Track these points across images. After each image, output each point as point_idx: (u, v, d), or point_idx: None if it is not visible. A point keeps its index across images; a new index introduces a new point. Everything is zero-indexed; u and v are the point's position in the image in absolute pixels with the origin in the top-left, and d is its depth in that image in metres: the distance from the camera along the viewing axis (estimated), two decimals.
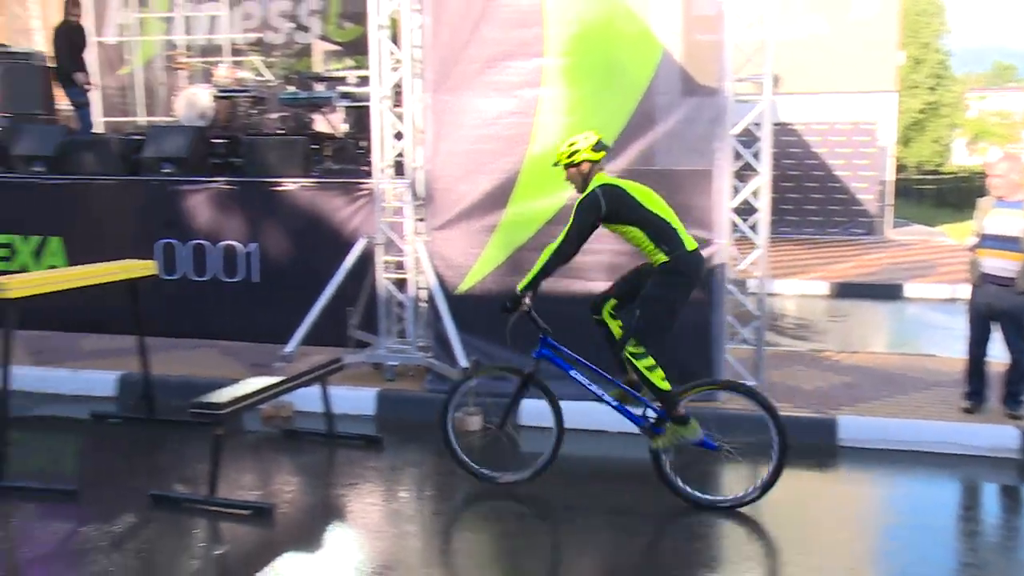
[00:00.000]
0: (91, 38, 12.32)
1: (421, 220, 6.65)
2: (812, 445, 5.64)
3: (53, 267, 7.95)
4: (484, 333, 6.32)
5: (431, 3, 6.36)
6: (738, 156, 6.11)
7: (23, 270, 7.95)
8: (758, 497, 4.59)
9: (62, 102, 10.47)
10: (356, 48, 11.57)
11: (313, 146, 8.46)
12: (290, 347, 6.69)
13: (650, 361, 4.55)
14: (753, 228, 6.17)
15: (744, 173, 6.21)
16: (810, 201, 19.67)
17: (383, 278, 6.78)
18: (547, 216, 6.18)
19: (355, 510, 4.65)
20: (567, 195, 6.16)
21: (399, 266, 6.81)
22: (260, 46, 11.55)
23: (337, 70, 11.05)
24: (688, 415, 4.63)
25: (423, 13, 6.41)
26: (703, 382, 4.86)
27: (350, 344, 6.91)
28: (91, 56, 12.07)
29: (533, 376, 4.84)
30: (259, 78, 10.11)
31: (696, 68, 6.00)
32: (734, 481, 4.85)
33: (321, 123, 9.40)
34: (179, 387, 6.36)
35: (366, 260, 6.85)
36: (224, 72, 9.86)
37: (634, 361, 4.56)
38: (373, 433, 5.82)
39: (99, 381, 6.71)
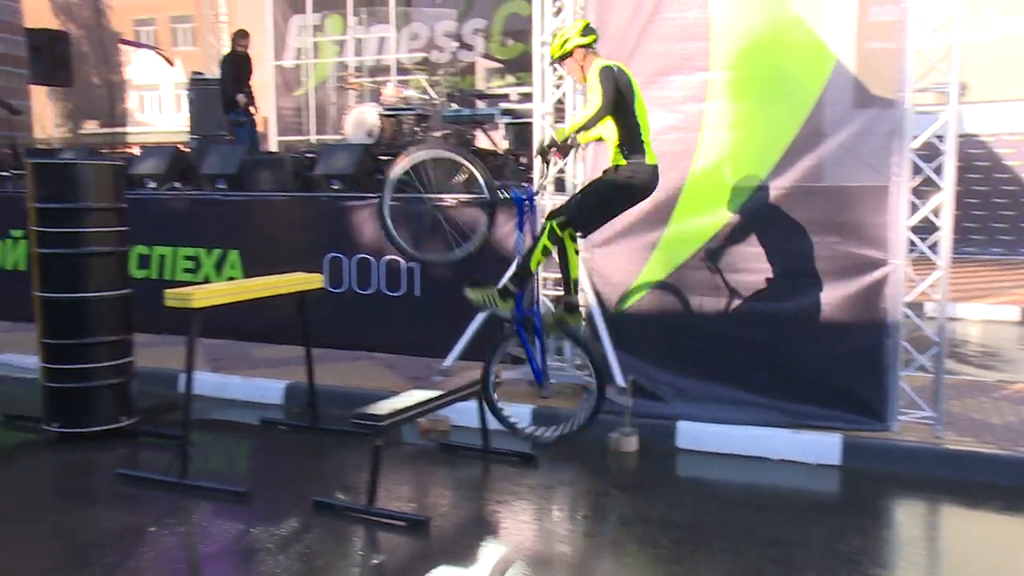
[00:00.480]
0: (269, 63, 13.15)
1: (580, 236, 6.63)
2: (1001, 486, 5.21)
3: (232, 279, 8.49)
4: (642, 352, 6.24)
5: (594, 19, 6.37)
6: (918, 171, 5.76)
7: (206, 281, 8.53)
8: (571, 434, 4.92)
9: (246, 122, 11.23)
10: (518, 65, 11.78)
11: None
12: (448, 361, 6.83)
13: (549, 244, 4.81)
14: (933, 248, 5.79)
15: (924, 189, 5.84)
16: (999, 218, 18.26)
17: (541, 295, 6.82)
18: (710, 233, 6.04)
19: (508, 527, 4.69)
20: (730, 213, 6.00)
21: (557, 283, 6.83)
22: (426, 65, 11.97)
23: (499, 87, 11.28)
24: (514, 297, 4.91)
25: None
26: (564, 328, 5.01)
27: (507, 360, 6.97)
28: (268, 79, 12.88)
29: (492, 204, 4.97)
30: (424, 96, 10.45)
31: (872, 78, 5.71)
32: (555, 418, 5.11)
33: (483, 140, 9.60)
34: (341, 397, 6.63)
35: None
36: (391, 91, 10.25)
37: (545, 232, 4.80)
38: (528, 450, 5.86)
39: (268, 389, 7.10)
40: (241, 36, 11.15)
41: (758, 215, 5.90)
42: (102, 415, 6.03)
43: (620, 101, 4.67)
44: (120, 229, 6.14)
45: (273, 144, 13.47)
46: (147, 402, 6.44)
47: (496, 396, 5.13)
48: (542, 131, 6.72)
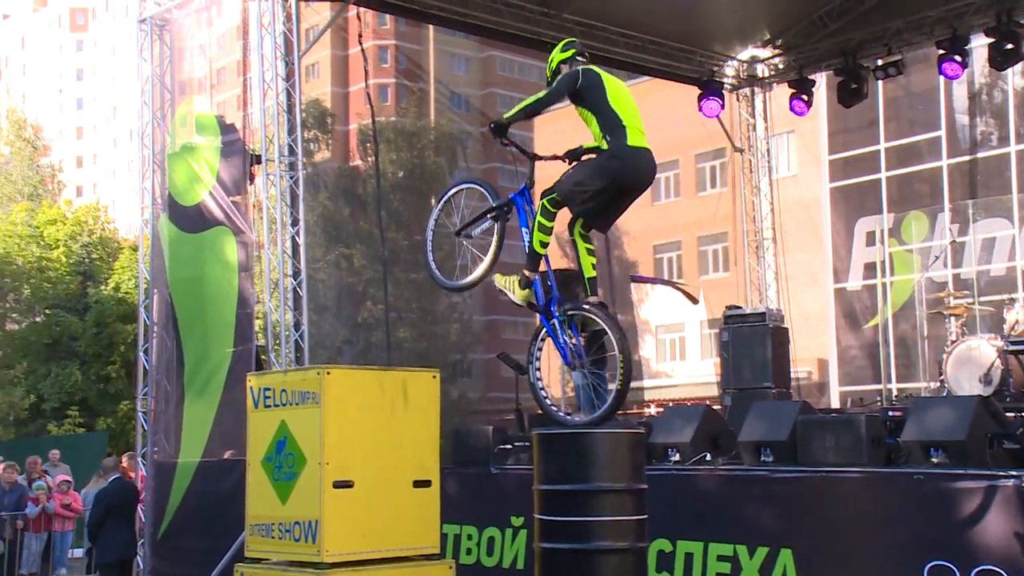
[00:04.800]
0: (828, 286, 13.39)
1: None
2: None
3: None
4: None
5: None
6: None
7: None
8: (604, 418, 6.65)
9: (800, 368, 11.39)
10: None
11: None
12: None
13: (544, 221, 6.92)
14: None
15: None
16: None
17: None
18: None
19: None
20: None
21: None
22: None
23: None
24: (531, 286, 7.07)
25: None
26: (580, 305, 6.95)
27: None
28: (826, 307, 13.02)
29: (500, 209, 7.23)
30: None
31: None
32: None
33: None
34: None
35: None
36: (1019, 314, 9.76)
37: (538, 210, 6.93)
38: None
39: None
40: None
41: None
42: None
43: (583, 96, 6.89)
44: (638, 518, 6.33)
45: (835, 398, 13.46)
46: None
47: (544, 390, 7.11)
48: None
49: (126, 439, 26.32)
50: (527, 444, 10.44)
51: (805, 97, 15.80)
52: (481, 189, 7.66)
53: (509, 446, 11.27)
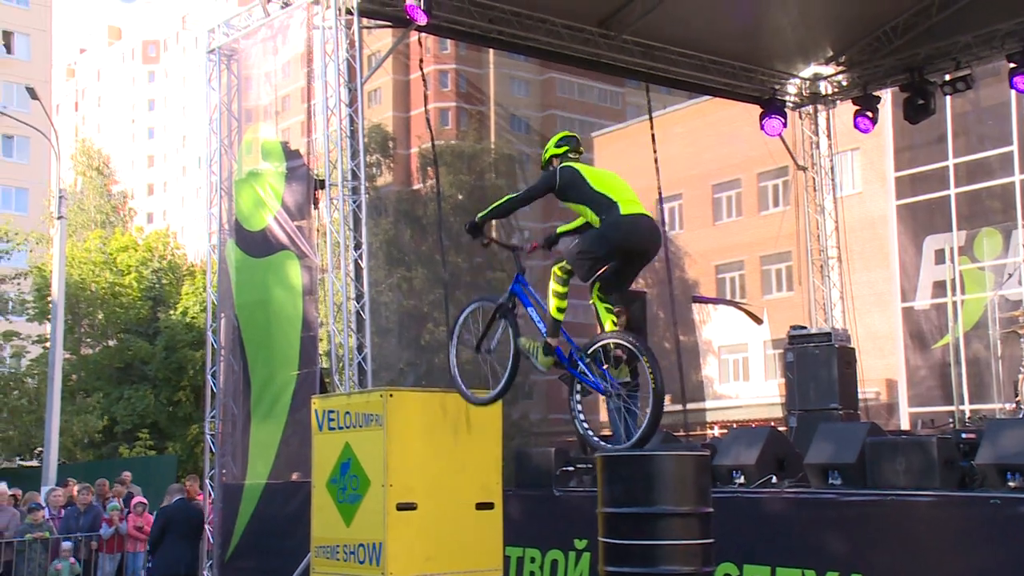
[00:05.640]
0: (895, 305, 13.13)
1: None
2: None
3: None
4: None
5: None
6: None
7: None
8: (638, 444, 6.69)
9: (867, 389, 11.18)
10: None
11: None
12: None
13: (560, 288, 7.16)
14: None
15: None
16: None
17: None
18: None
19: None
20: None
21: None
22: None
23: None
24: (554, 353, 7.19)
25: None
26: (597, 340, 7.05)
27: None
28: (894, 328, 12.75)
29: (504, 307, 7.52)
30: None
31: None
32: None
33: None
34: None
35: None
36: None
37: (552, 278, 7.13)
38: None
39: None
40: None
41: None
42: None
43: (564, 194, 7.18)
44: (704, 542, 6.23)
45: (904, 419, 13.19)
46: None
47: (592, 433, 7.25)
48: None
49: (194, 462, 26.57)
50: (590, 466, 10.38)
51: (870, 114, 15.54)
52: (483, 304, 7.86)
53: (572, 468, 11.20)
